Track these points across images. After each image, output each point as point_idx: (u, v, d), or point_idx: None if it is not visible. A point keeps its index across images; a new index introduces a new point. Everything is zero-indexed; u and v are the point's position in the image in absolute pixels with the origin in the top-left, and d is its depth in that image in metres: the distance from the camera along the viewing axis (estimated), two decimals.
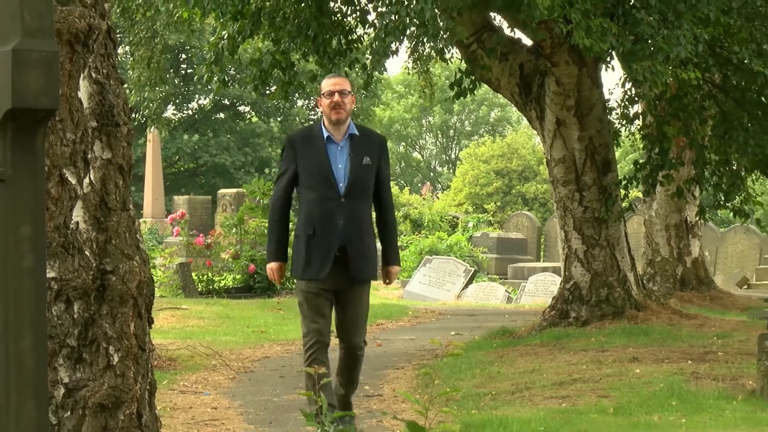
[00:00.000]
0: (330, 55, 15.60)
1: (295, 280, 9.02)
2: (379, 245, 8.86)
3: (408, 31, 13.84)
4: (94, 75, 5.20)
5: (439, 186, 72.12)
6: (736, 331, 14.85)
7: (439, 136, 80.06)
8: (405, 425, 6.17)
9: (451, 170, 71.47)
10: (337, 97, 8.24)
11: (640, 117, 17.62)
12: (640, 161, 16.55)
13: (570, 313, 15.89)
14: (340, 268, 8.21)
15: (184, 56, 49.88)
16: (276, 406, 10.84)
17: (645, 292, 16.82)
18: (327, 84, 8.38)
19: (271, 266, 8.47)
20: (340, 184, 8.25)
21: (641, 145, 17.32)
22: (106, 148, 5.22)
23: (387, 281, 8.69)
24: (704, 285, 22.27)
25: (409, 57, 17.58)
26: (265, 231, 23.12)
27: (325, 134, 8.30)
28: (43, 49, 3.56)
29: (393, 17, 13.86)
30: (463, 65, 16.34)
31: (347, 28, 15.94)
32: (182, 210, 28.15)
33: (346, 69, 16.13)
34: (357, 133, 8.36)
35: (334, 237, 8.20)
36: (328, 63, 15.71)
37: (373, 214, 8.72)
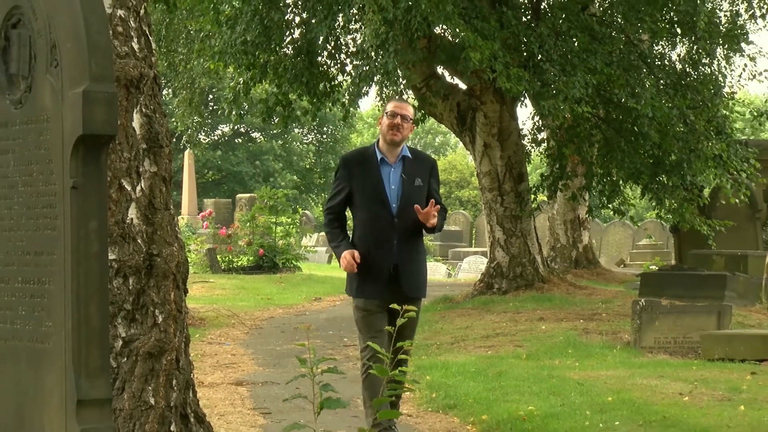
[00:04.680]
0: (318, 96, 15.56)
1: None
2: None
3: (375, 78, 13.85)
4: (144, 110, 5.19)
5: None
6: (616, 298, 14.89)
7: None
8: (374, 367, 6.14)
9: None
10: (398, 119, 6.47)
11: (546, 141, 17.64)
12: (545, 174, 16.57)
13: (494, 285, 15.88)
14: (394, 285, 6.47)
15: (211, 96, 49.71)
16: (278, 353, 10.81)
17: (549, 270, 16.83)
18: (392, 105, 6.63)
19: (345, 255, 6.46)
20: (393, 205, 6.50)
21: (546, 162, 17.34)
22: (153, 163, 5.20)
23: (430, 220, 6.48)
24: (592, 264, 22.26)
25: (376, 97, 17.51)
26: (271, 225, 23.26)
27: (379, 156, 6.55)
28: (106, 91, 3.57)
29: (364, 68, 13.86)
30: (416, 103, 16.33)
31: (331, 75, 15.90)
32: (210, 209, 28.02)
33: (330, 105, 16.12)
34: (409, 155, 6.59)
35: (388, 256, 6.47)
36: (317, 102, 15.68)
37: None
